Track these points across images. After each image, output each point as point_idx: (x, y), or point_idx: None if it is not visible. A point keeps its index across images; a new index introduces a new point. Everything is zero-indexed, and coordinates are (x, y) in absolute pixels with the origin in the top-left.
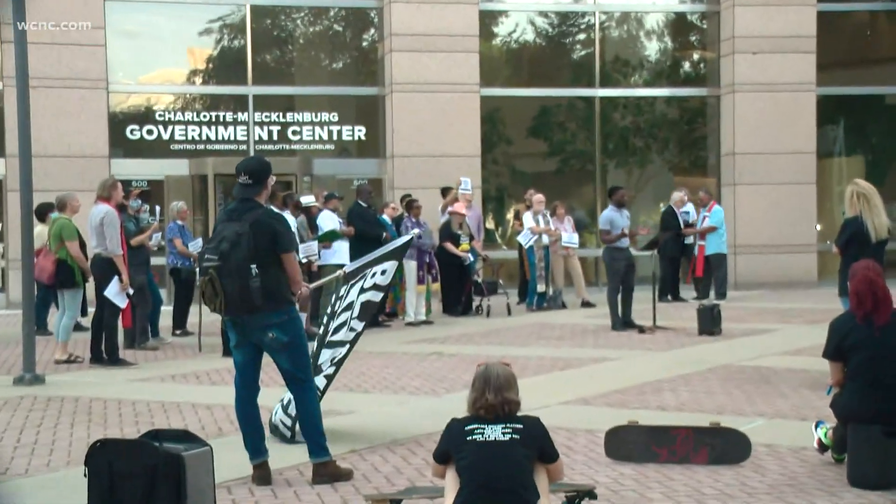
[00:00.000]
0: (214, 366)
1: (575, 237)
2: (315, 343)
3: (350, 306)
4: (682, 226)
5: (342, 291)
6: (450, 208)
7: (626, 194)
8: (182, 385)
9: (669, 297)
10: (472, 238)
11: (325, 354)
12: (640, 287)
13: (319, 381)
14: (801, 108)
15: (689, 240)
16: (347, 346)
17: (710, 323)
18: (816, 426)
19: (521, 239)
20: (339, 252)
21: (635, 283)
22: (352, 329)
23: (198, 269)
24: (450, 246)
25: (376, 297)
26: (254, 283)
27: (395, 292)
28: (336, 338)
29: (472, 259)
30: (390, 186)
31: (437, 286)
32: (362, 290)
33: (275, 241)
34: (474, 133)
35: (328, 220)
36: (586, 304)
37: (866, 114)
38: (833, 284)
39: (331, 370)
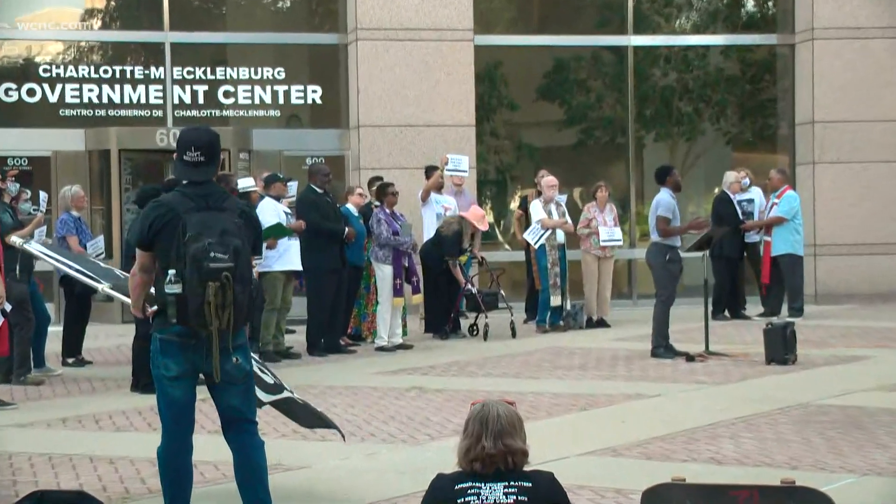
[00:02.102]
0: (120, 405)
1: (617, 232)
2: None
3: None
4: (741, 217)
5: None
6: (463, 214)
7: (679, 176)
8: (76, 431)
9: (726, 312)
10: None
11: None
12: (686, 299)
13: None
14: None
15: (753, 236)
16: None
17: (781, 348)
18: None
19: (527, 236)
20: (287, 254)
21: (676, 295)
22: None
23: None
24: (457, 272)
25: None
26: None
27: (361, 307)
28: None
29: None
30: (355, 166)
31: (418, 298)
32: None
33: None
34: (467, 95)
35: (270, 212)
36: (599, 324)
37: None
38: None
39: None
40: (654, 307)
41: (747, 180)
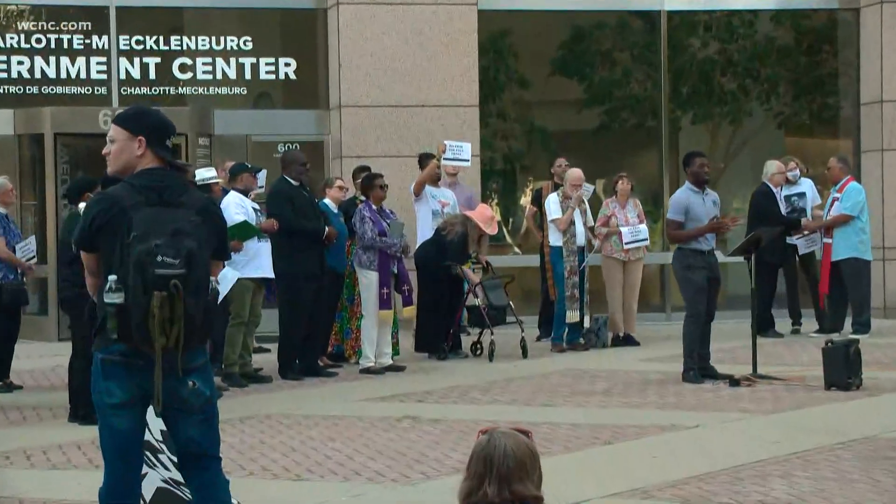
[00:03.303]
0: (56, 438)
1: (643, 229)
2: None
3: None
4: (784, 214)
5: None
6: (469, 213)
7: (708, 165)
8: (4, 469)
9: (777, 329)
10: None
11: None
12: (731, 313)
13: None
14: None
15: (797, 239)
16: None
17: (843, 370)
18: None
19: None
20: (256, 259)
21: (716, 307)
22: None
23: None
24: (468, 272)
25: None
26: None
27: (343, 321)
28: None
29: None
30: (336, 154)
31: (410, 311)
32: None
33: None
34: (469, 70)
35: (236, 208)
36: (626, 341)
37: None
38: None
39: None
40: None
41: (797, 171)
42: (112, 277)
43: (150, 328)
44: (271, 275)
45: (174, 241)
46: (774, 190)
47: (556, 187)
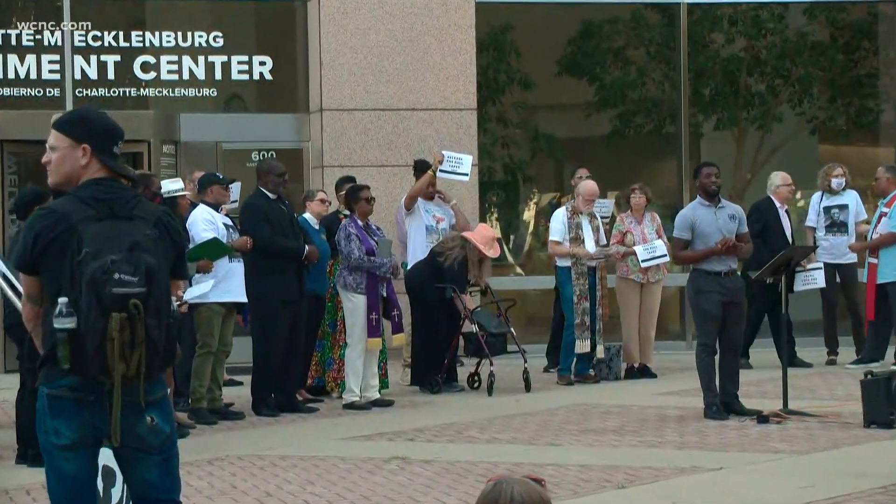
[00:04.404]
0: (3, 481)
1: (661, 245)
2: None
3: None
4: (787, 232)
5: None
6: (468, 234)
7: (717, 174)
8: None
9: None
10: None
11: None
12: (759, 341)
13: None
14: None
15: (801, 277)
16: None
17: (884, 405)
18: None
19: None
20: (227, 280)
21: (740, 337)
22: None
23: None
24: (466, 300)
25: None
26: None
27: (324, 350)
28: None
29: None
30: (318, 163)
31: (400, 339)
32: None
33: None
34: (466, 69)
35: (205, 224)
36: (642, 373)
37: None
38: None
39: None
40: None
41: (842, 179)
42: (62, 300)
43: (108, 355)
44: (244, 299)
45: (132, 256)
46: (777, 205)
47: (565, 201)
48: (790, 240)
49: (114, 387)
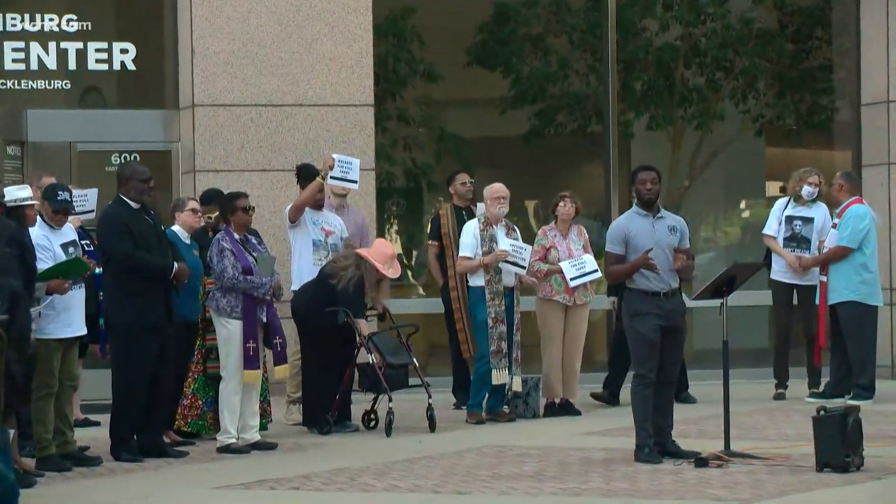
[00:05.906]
0: None
1: (588, 261)
2: None
3: None
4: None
5: None
6: (362, 252)
7: (652, 181)
8: None
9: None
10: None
11: None
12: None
13: None
14: None
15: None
16: None
17: (839, 446)
18: None
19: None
20: (66, 312)
21: (678, 367)
22: None
23: None
24: (358, 322)
25: None
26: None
27: (200, 386)
28: None
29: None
30: (189, 167)
31: (282, 371)
32: None
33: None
34: (361, 59)
35: (41, 239)
36: (564, 409)
37: None
38: None
39: None
40: None
41: (814, 190)
42: None
43: None
44: (83, 331)
45: None
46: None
47: (458, 211)
48: None
49: None
